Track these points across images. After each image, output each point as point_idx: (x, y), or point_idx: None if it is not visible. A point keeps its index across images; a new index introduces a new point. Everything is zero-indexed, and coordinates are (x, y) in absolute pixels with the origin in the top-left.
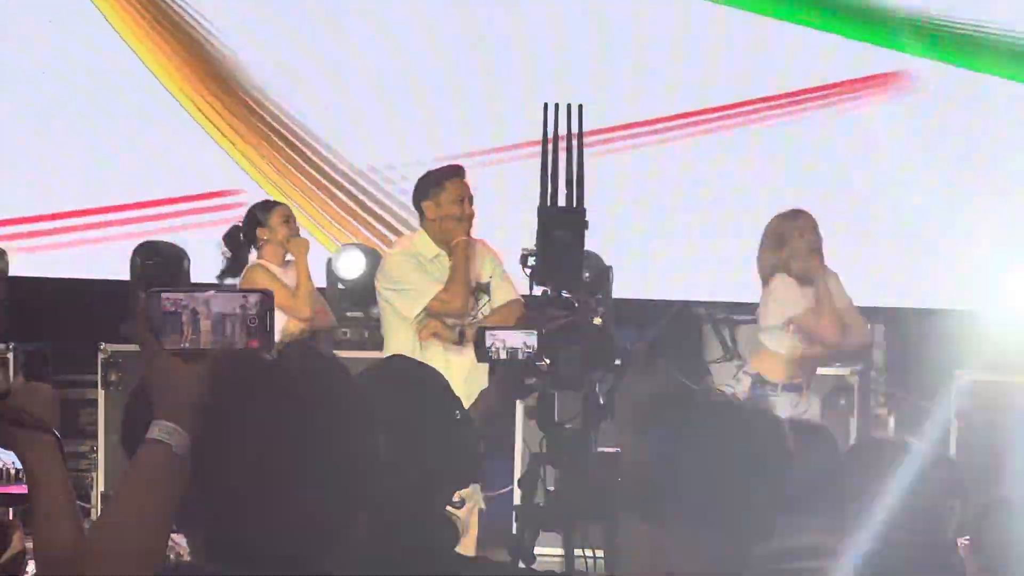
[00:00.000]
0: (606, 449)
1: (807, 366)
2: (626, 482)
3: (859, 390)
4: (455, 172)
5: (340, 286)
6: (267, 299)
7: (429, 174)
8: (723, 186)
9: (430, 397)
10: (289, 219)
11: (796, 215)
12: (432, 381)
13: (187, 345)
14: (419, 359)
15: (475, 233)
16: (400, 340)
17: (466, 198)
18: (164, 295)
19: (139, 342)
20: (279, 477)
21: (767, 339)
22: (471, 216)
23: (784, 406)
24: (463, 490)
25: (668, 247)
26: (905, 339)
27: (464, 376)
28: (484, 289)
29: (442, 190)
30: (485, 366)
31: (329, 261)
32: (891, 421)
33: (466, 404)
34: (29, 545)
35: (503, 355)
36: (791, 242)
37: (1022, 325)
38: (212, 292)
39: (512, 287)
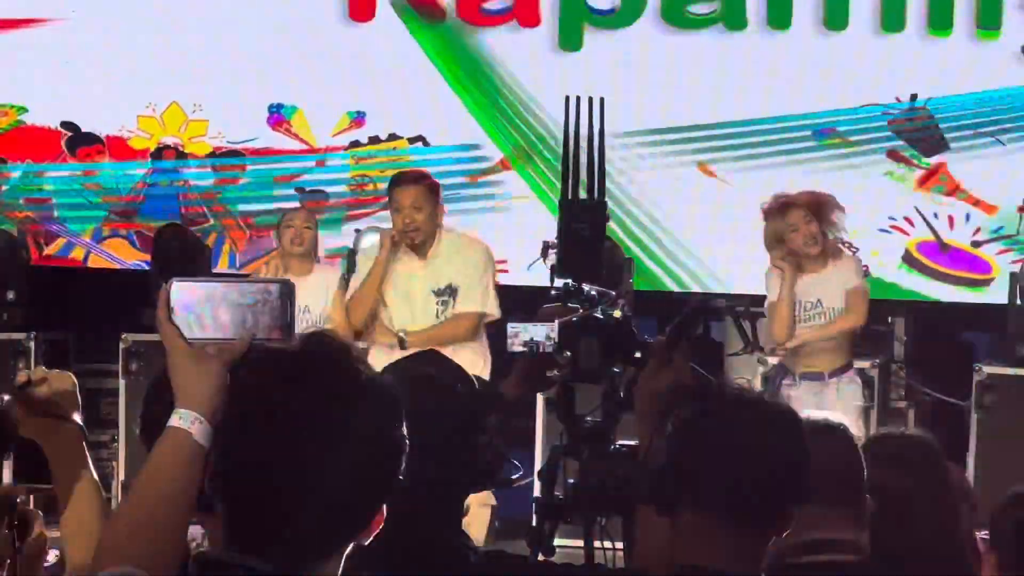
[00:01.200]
0: (626, 442)
1: (828, 353)
2: (644, 475)
3: (879, 383)
4: (402, 180)
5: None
6: (288, 289)
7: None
8: (744, 177)
9: (458, 394)
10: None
11: (785, 211)
12: (461, 377)
13: (209, 336)
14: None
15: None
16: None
17: (412, 205)
18: (186, 285)
19: (160, 332)
20: (300, 467)
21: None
22: (420, 225)
23: (804, 396)
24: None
25: (689, 239)
26: (926, 332)
27: None
28: (451, 293)
29: (392, 195)
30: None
31: (352, 244)
32: (911, 414)
33: None
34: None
35: (522, 348)
36: (789, 241)
37: None
38: (233, 282)
39: (480, 299)
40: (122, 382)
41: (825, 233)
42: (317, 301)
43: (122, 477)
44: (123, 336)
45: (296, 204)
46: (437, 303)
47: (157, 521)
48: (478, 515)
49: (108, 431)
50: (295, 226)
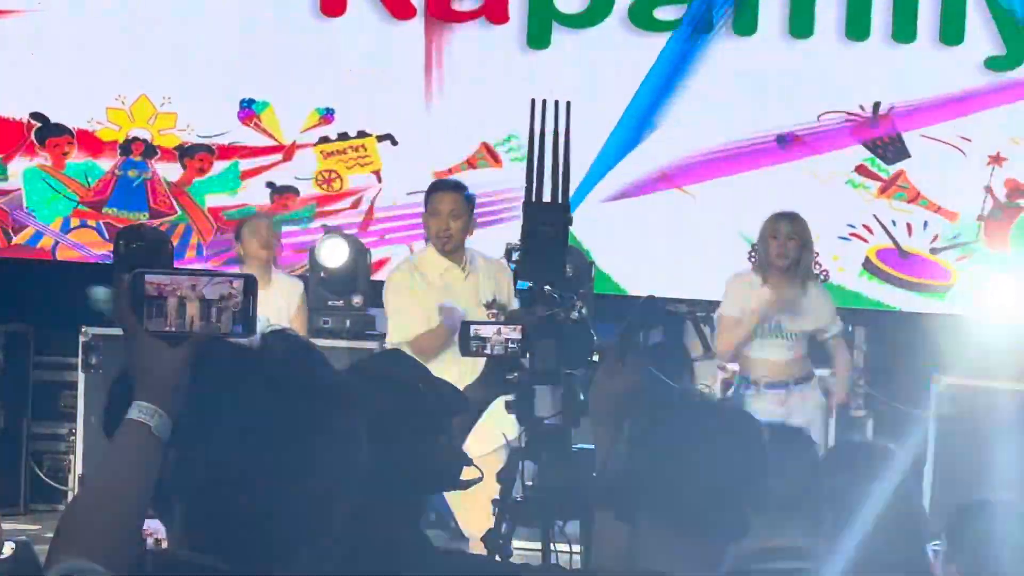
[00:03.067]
0: (584, 445)
1: (789, 368)
2: (601, 479)
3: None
4: (442, 186)
5: (322, 274)
6: (251, 284)
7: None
8: (707, 183)
9: (419, 393)
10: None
11: (777, 219)
12: (424, 377)
13: (170, 328)
14: None
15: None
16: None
17: (450, 213)
18: (148, 277)
19: (122, 324)
20: (259, 464)
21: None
22: (455, 232)
23: (766, 406)
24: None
25: (651, 244)
26: (885, 342)
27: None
28: (501, 307)
29: (430, 200)
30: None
31: (312, 250)
32: (869, 424)
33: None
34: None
35: (486, 350)
36: (765, 244)
37: (1001, 330)
38: (196, 276)
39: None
40: (81, 375)
41: (800, 259)
42: (281, 316)
43: (79, 470)
44: (83, 329)
45: (263, 203)
46: (488, 315)
47: (113, 514)
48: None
49: (66, 424)
50: (262, 235)
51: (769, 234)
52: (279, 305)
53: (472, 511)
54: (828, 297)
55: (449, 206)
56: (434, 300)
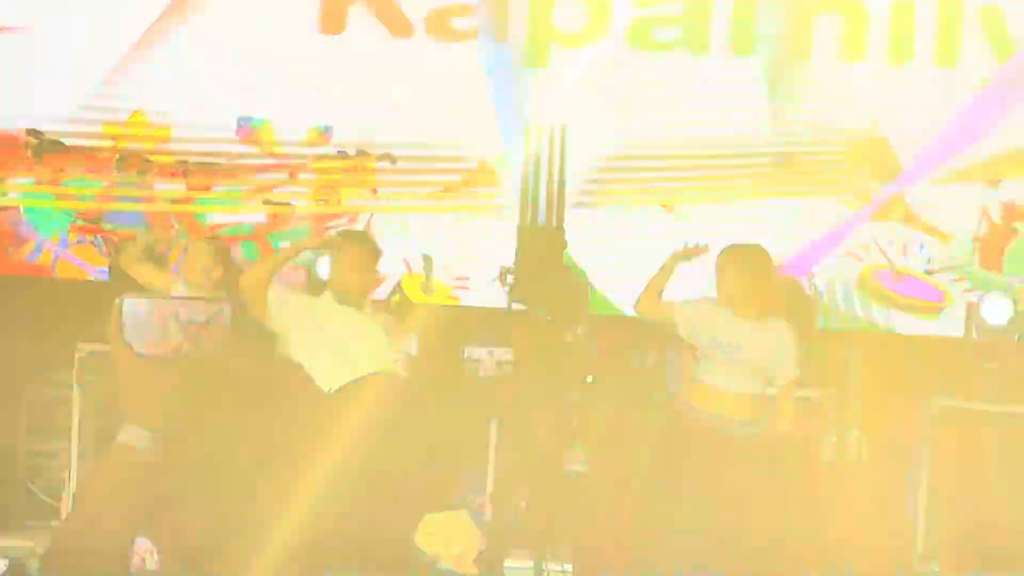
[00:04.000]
0: (577, 467)
1: (740, 405)
2: (594, 501)
3: (833, 413)
4: (356, 239)
5: None
6: (236, 309)
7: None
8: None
9: (406, 416)
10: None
11: (731, 250)
12: (409, 399)
13: (158, 351)
14: None
15: None
16: None
17: (371, 270)
18: (137, 302)
19: (111, 347)
20: (249, 482)
21: (695, 373)
22: (372, 285)
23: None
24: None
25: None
26: (879, 363)
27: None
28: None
29: (347, 252)
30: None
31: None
32: (864, 444)
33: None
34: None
35: (479, 370)
36: (722, 273)
37: (994, 353)
38: (183, 300)
39: None
40: (76, 392)
41: (757, 290)
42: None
43: (74, 487)
44: (78, 346)
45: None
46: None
47: (102, 533)
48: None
49: (61, 441)
50: (203, 265)
51: (723, 264)
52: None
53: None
54: (791, 340)
55: (370, 258)
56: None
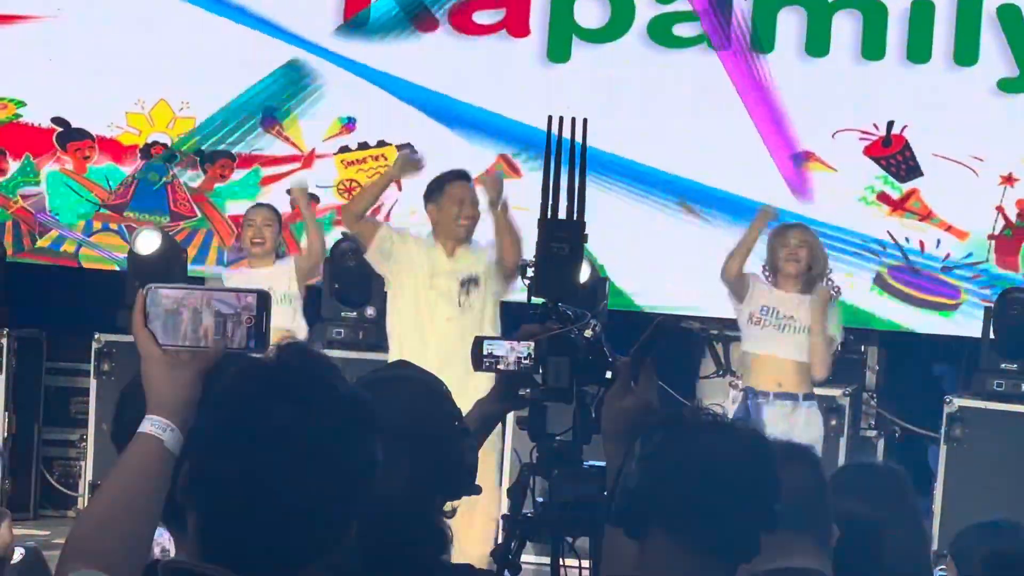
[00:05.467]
0: (595, 463)
1: (798, 375)
2: (611, 496)
3: (850, 412)
4: (456, 176)
5: (336, 285)
6: (264, 299)
7: (434, 178)
8: (721, 199)
9: (430, 404)
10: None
11: (787, 227)
12: (433, 388)
13: (184, 343)
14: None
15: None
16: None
17: (466, 200)
18: (163, 292)
19: (135, 337)
20: (273, 478)
21: (745, 343)
22: (470, 218)
23: (776, 418)
24: (456, 501)
25: (665, 261)
26: (897, 363)
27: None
28: (474, 280)
29: (442, 193)
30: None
31: (327, 260)
32: (880, 444)
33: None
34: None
35: (499, 365)
36: (774, 253)
37: (1012, 354)
38: (210, 291)
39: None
40: (93, 382)
41: (810, 266)
42: (281, 284)
43: (90, 477)
44: (96, 336)
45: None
46: (460, 292)
47: (123, 526)
48: (485, 537)
49: (78, 430)
50: (255, 224)
51: (779, 243)
52: (280, 280)
53: (470, 528)
54: (837, 310)
55: (469, 194)
56: (406, 252)
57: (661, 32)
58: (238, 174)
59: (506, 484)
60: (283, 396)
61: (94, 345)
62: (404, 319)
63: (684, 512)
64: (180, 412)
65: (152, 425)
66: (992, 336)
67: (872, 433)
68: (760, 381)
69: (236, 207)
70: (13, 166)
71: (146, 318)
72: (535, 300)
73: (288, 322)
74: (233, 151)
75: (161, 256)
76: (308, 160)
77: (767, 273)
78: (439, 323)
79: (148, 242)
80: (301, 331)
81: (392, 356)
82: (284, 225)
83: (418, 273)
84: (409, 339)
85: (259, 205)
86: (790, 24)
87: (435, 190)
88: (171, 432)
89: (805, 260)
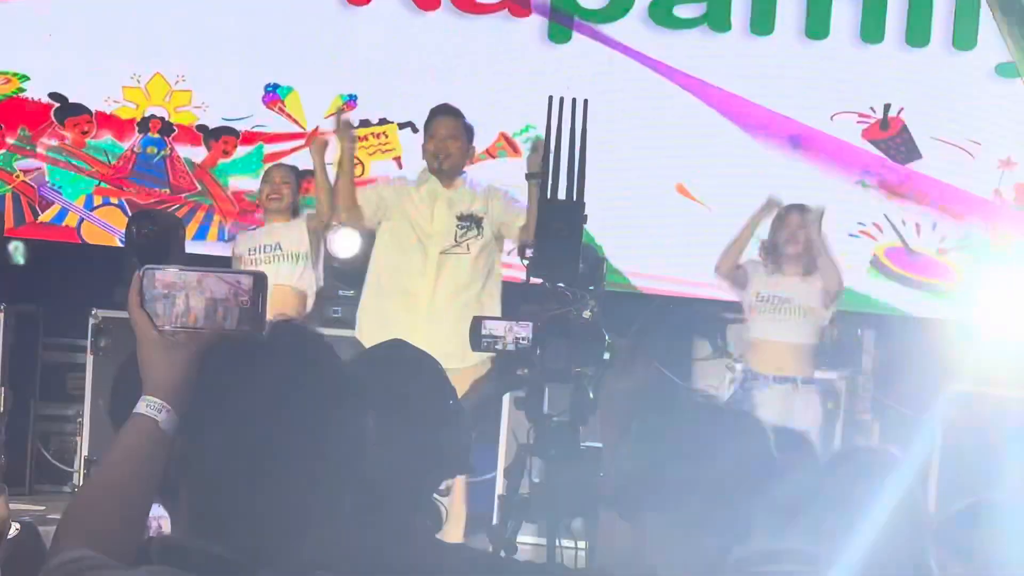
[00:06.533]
0: (592, 444)
1: (797, 358)
2: (607, 478)
3: (846, 395)
4: (439, 111)
5: (334, 264)
6: (260, 281)
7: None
8: (720, 183)
9: (424, 382)
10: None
11: (789, 209)
12: (428, 367)
13: (179, 325)
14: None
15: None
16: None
17: (449, 138)
18: (158, 273)
19: (131, 318)
20: (266, 454)
21: (747, 328)
22: (451, 154)
23: (774, 400)
24: (450, 479)
25: (664, 242)
26: (894, 346)
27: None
28: (475, 221)
29: (429, 125)
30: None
31: (324, 240)
32: (876, 428)
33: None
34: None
35: (497, 346)
36: (776, 234)
37: (1012, 337)
38: (206, 272)
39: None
40: (90, 358)
41: (811, 247)
42: (291, 240)
43: (86, 453)
44: (93, 312)
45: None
46: (458, 226)
47: (118, 506)
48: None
49: (74, 406)
50: (273, 182)
51: (779, 224)
52: (293, 236)
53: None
54: (836, 265)
55: (446, 129)
56: (402, 201)
57: (662, 13)
58: (241, 151)
59: (501, 463)
60: (276, 373)
61: (91, 321)
62: (388, 250)
63: (678, 494)
64: (176, 393)
65: (147, 406)
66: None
67: (868, 416)
68: (760, 365)
69: (239, 183)
70: (9, 140)
71: (142, 299)
72: (534, 280)
73: (294, 279)
74: (236, 127)
75: (159, 234)
76: (311, 137)
77: (764, 255)
78: (432, 256)
79: (146, 222)
80: (308, 288)
81: (367, 292)
82: (304, 189)
83: (414, 204)
84: (388, 273)
85: (278, 164)
86: (790, 6)
87: (425, 127)
88: (166, 413)
89: (804, 241)
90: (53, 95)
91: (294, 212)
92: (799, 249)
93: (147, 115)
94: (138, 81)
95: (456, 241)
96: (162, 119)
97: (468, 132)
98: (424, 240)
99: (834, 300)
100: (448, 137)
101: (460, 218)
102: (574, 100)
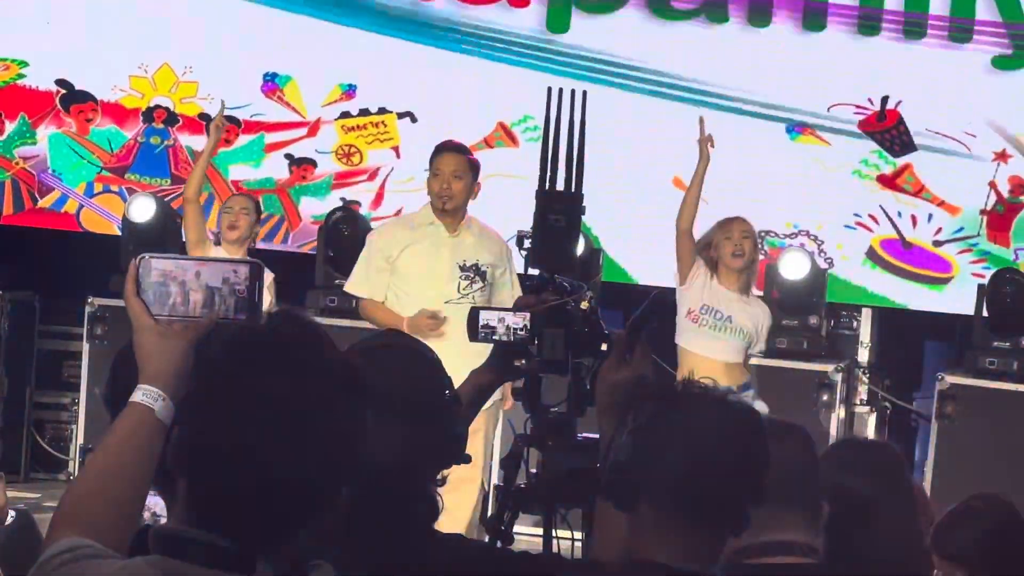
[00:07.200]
0: (589, 435)
1: (731, 374)
2: (603, 469)
3: (842, 387)
4: (445, 147)
5: (330, 253)
6: (256, 271)
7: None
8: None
9: (421, 372)
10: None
11: (730, 220)
12: (424, 357)
13: (176, 313)
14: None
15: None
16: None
17: (453, 177)
18: (156, 261)
19: (127, 307)
20: (263, 445)
21: (680, 336)
22: (454, 195)
23: None
24: (446, 469)
25: (660, 234)
26: (889, 339)
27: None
28: (479, 273)
29: (433, 161)
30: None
31: (322, 227)
32: (871, 420)
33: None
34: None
35: (494, 336)
36: (719, 247)
37: (1003, 331)
38: (203, 261)
39: (513, 290)
40: (86, 346)
41: (754, 261)
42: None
43: (81, 440)
44: (89, 300)
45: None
46: (461, 277)
47: (113, 495)
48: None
49: (69, 394)
50: (232, 211)
51: (723, 235)
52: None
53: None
54: (768, 317)
55: (451, 167)
56: (409, 255)
57: (660, 4)
58: (242, 140)
59: (499, 455)
60: (273, 362)
61: (87, 309)
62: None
63: (673, 484)
64: (172, 382)
65: (143, 395)
66: (985, 315)
67: (864, 409)
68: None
69: (239, 172)
70: (9, 127)
71: (138, 287)
72: (531, 271)
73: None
74: (237, 116)
75: (156, 223)
76: (314, 128)
77: (706, 268)
78: (433, 302)
79: (143, 209)
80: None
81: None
82: (282, 189)
83: (422, 246)
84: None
85: (239, 195)
86: None
87: (430, 161)
88: (162, 402)
89: (749, 253)
90: (59, 82)
91: (252, 242)
92: (745, 261)
93: (152, 105)
94: (146, 71)
95: (460, 292)
96: (167, 109)
97: (474, 169)
98: (428, 289)
99: (767, 331)
100: (452, 176)
101: (463, 268)
102: (573, 91)
